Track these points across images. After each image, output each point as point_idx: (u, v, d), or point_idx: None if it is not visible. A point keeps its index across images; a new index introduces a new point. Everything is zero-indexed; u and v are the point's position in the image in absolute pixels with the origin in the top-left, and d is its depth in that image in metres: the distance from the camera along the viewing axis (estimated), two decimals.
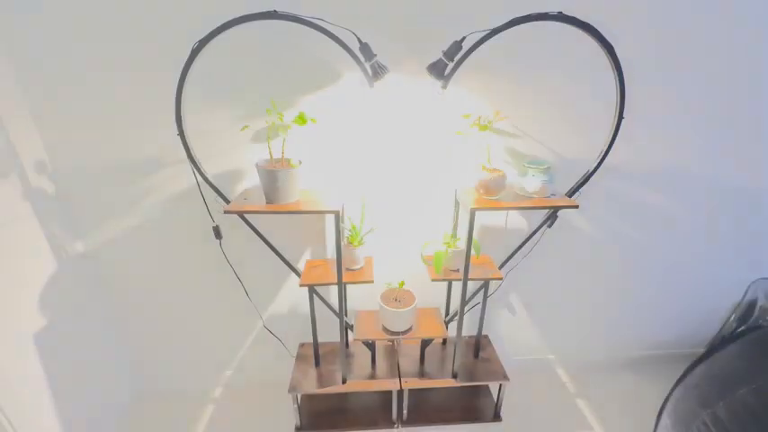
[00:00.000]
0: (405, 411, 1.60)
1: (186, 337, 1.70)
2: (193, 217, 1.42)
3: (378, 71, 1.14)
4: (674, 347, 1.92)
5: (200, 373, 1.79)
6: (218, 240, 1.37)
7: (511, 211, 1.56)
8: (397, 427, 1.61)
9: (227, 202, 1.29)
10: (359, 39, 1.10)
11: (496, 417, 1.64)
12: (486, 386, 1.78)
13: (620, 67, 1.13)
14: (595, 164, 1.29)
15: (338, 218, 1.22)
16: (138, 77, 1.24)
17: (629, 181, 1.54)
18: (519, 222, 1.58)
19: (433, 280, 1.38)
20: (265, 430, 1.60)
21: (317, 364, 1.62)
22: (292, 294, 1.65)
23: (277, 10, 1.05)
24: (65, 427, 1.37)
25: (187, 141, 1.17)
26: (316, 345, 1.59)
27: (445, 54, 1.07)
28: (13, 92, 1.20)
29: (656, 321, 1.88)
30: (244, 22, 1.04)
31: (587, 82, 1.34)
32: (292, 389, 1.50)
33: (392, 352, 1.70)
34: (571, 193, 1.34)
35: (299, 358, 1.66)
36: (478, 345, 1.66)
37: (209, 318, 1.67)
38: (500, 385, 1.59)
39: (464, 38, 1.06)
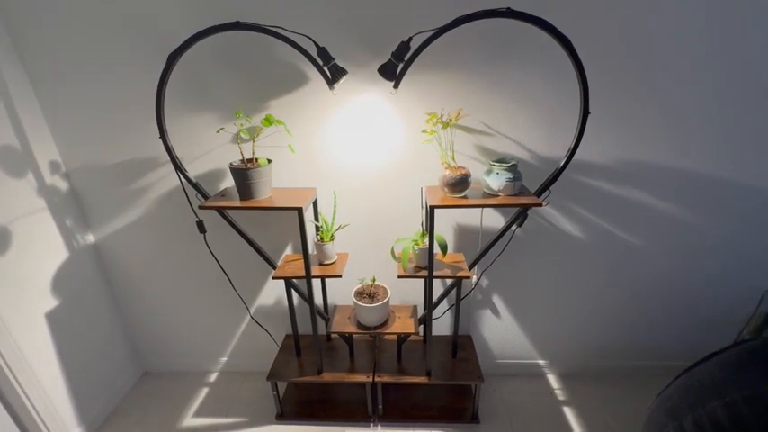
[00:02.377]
0: (380, 406, 1.63)
1: (186, 324, 1.85)
2: (185, 212, 1.55)
3: (336, 74, 1.19)
4: (680, 360, 1.78)
5: (200, 358, 1.93)
6: (202, 235, 1.48)
7: (488, 211, 1.54)
8: (374, 421, 1.64)
9: (207, 199, 1.40)
10: (316, 43, 1.16)
11: (474, 419, 1.62)
12: (469, 387, 1.76)
13: (580, 60, 1.10)
14: (563, 161, 1.25)
15: (301, 215, 1.28)
16: (135, 87, 1.38)
17: (622, 181, 1.46)
18: (497, 222, 1.55)
19: (399, 277, 1.41)
20: (251, 415, 1.69)
21: (298, 354, 1.70)
22: (278, 287, 1.74)
23: (239, 21, 1.14)
24: (75, 401, 1.55)
25: (169, 143, 1.29)
26: (296, 336, 1.67)
27: (394, 55, 1.10)
28: (31, 102, 1.39)
29: (660, 331, 1.75)
30: (210, 34, 1.14)
31: (559, 78, 1.31)
32: (271, 376, 1.59)
33: (372, 347, 1.73)
34: (540, 192, 1.31)
35: (283, 348, 1.75)
36: (456, 344, 1.65)
37: (205, 307, 1.80)
38: (475, 386, 1.57)
39: (411, 38, 1.09)
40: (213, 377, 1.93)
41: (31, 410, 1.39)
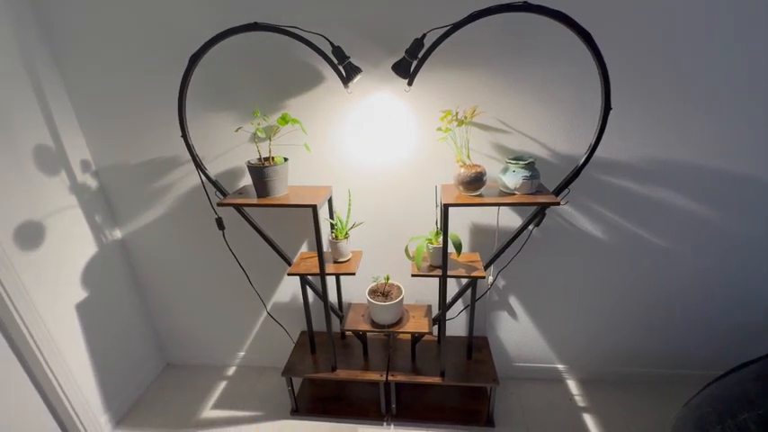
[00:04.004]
0: (393, 405, 1.62)
1: (206, 318, 1.90)
2: (206, 210, 1.60)
3: (351, 72, 1.20)
4: (708, 369, 1.69)
5: (219, 352, 1.98)
6: (221, 231, 1.52)
7: (505, 210, 1.51)
8: (387, 420, 1.64)
9: (225, 196, 1.43)
10: (331, 42, 1.17)
11: (489, 422, 1.59)
12: (485, 390, 1.73)
13: (601, 54, 1.06)
14: (583, 159, 1.21)
15: (316, 212, 1.30)
16: (159, 89, 1.44)
17: (647, 180, 1.41)
18: (513, 221, 1.52)
19: (413, 275, 1.40)
20: (267, 410, 1.72)
21: (313, 351, 1.71)
22: (293, 284, 1.77)
23: (257, 22, 1.16)
24: (102, 390, 1.63)
25: (190, 142, 1.33)
26: (311, 333, 1.68)
27: (408, 52, 1.10)
28: (65, 106, 1.47)
29: (687, 338, 1.66)
30: (229, 35, 1.17)
31: (580, 73, 1.27)
32: (286, 372, 1.61)
33: (386, 346, 1.73)
34: (559, 190, 1.27)
35: (298, 345, 1.77)
36: (471, 346, 1.62)
37: (224, 302, 1.85)
38: (490, 388, 1.54)
39: (424, 35, 1.08)
40: (231, 371, 1.97)
41: (62, 396, 1.46)
